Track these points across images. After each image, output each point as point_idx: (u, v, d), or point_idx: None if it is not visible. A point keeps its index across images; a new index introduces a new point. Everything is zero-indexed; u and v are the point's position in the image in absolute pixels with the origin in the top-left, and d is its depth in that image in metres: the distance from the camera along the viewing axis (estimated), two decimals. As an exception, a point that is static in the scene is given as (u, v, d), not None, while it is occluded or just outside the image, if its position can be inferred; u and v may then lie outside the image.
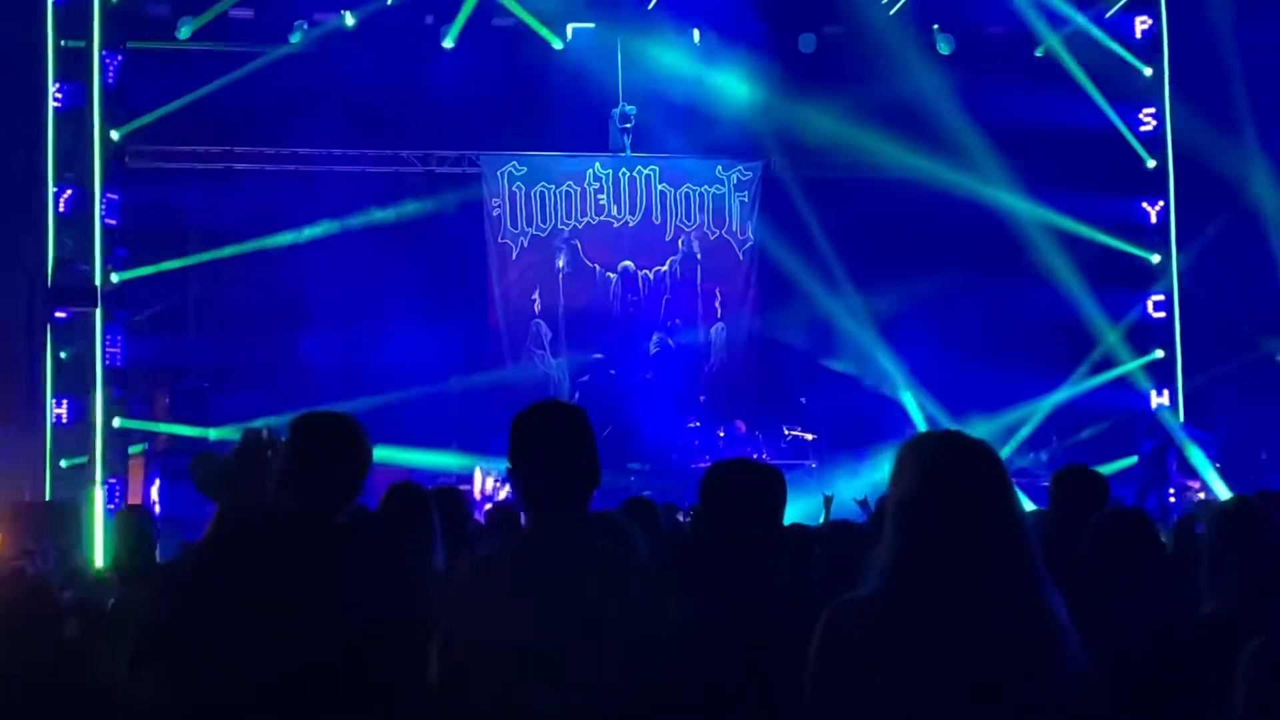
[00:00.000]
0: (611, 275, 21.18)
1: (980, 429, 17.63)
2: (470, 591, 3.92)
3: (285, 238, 19.70)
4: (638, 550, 5.06)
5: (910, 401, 20.08)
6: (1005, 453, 19.24)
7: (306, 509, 4.49)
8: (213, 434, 17.56)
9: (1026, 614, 3.48)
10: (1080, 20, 20.29)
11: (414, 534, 5.58)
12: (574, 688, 3.81)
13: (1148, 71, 20.83)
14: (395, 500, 6.04)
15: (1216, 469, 18.41)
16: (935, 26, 20.28)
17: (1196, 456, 18.73)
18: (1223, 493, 17.02)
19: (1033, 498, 15.28)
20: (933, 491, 3.51)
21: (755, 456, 18.12)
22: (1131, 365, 20.44)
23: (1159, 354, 20.66)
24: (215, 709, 4.27)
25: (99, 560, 14.19)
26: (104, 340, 17.26)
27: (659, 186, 21.31)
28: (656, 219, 21.35)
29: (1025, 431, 19.97)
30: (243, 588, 4.33)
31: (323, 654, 4.22)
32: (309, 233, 19.70)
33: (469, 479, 17.54)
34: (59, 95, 17.19)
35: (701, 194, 21.43)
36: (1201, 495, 17.52)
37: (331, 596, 4.29)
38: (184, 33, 18.87)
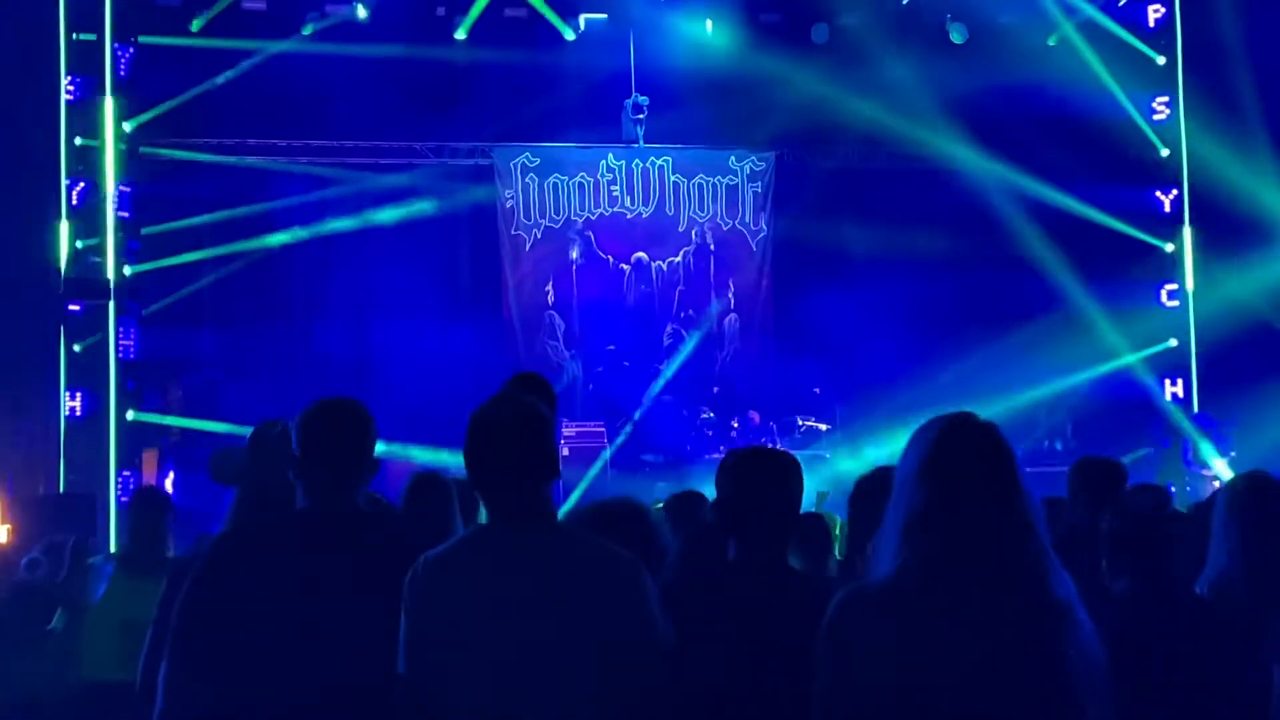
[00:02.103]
0: (625, 266, 21.19)
1: (994, 415, 17.63)
2: (425, 588, 3.90)
3: (298, 231, 19.71)
4: (661, 543, 5.05)
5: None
6: (1025, 445, 19.29)
7: (322, 499, 4.48)
8: (224, 427, 17.57)
9: (1037, 600, 3.45)
10: (1093, 9, 20.26)
11: (434, 523, 5.57)
12: (532, 687, 3.81)
13: (1161, 60, 20.81)
14: (417, 490, 6.02)
15: (1231, 457, 18.38)
16: (948, 16, 20.26)
17: (1208, 447, 18.71)
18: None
19: (1049, 486, 15.23)
20: (935, 472, 3.50)
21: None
22: (1143, 354, 20.44)
23: (1173, 342, 20.65)
24: (236, 705, 4.26)
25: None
26: (117, 333, 17.27)
27: (672, 177, 21.31)
28: (670, 210, 21.35)
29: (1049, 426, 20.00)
30: (262, 582, 4.32)
31: (344, 647, 4.22)
32: (321, 227, 19.72)
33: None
34: (71, 88, 17.19)
35: (714, 185, 21.43)
36: (1216, 484, 17.48)
37: (352, 588, 4.28)
38: (196, 25, 18.90)
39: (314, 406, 4.59)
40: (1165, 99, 20.87)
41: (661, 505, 7.03)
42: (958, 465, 3.49)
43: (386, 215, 20.07)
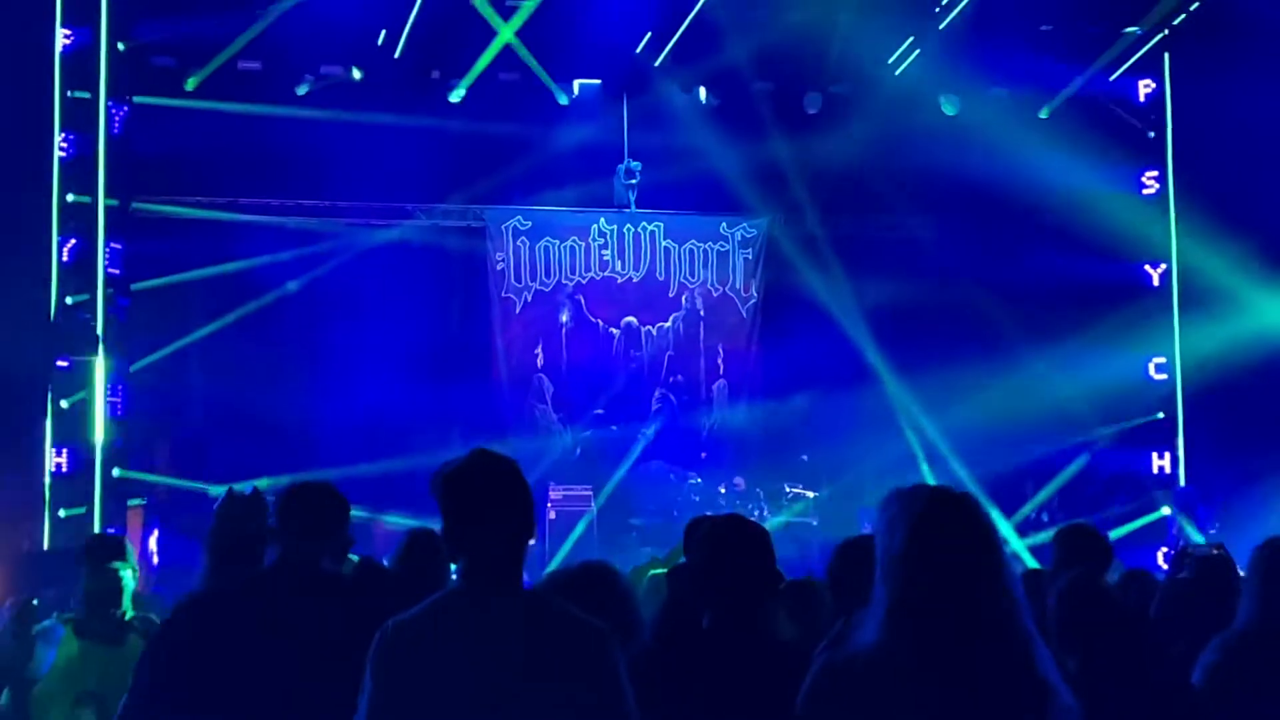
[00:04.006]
0: (615, 331, 21.20)
1: (980, 481, 17.72)
2: (393, 652, 3.87)
3: (289, 288, 19.69)
4: (634, 609, 5.04)
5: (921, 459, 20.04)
6: (1017, 517, 19.28)
7: (289, 562, 4.52)
8: (213, 490, 17.52)
9: (1015, 670, 3.45)
10: (1083, 84, 20.38)
11: (428, 581, 5.56)
12: None
13: (1151, 135, 20.92)
14: (413, 548, 6.01)
15: (1213, 533, 18.35)
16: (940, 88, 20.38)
17: (1189, 524, 18.72)
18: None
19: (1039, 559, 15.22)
20: (919, 545, 3.49)
21: (756, 514, 18.16)
22: (1129, 425, 20.48)
23: (1160, 415, 20.66)
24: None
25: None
26: (105, 390, 17.23)
27: (663, 242, 21.35)
28: (660, 275, 21.38)
29: (1041, 498, 19.99)
30: (221, 644, 4.33)
31: (299, 709, 4.21)
32: (311, 288, 19.73)
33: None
34: (65, 145, 17.22)
35: (705, 250, 21.47)
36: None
37: (314, 649, 4.28)
38: (191, 84, 18.96)
39: (292, 491, 4.80)
40: (1155, 173, 20.97)
41: (664, 571, 7.02)
42: (942, 543, 3.49)
43: (377, 276, 20.06)
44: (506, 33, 19.03)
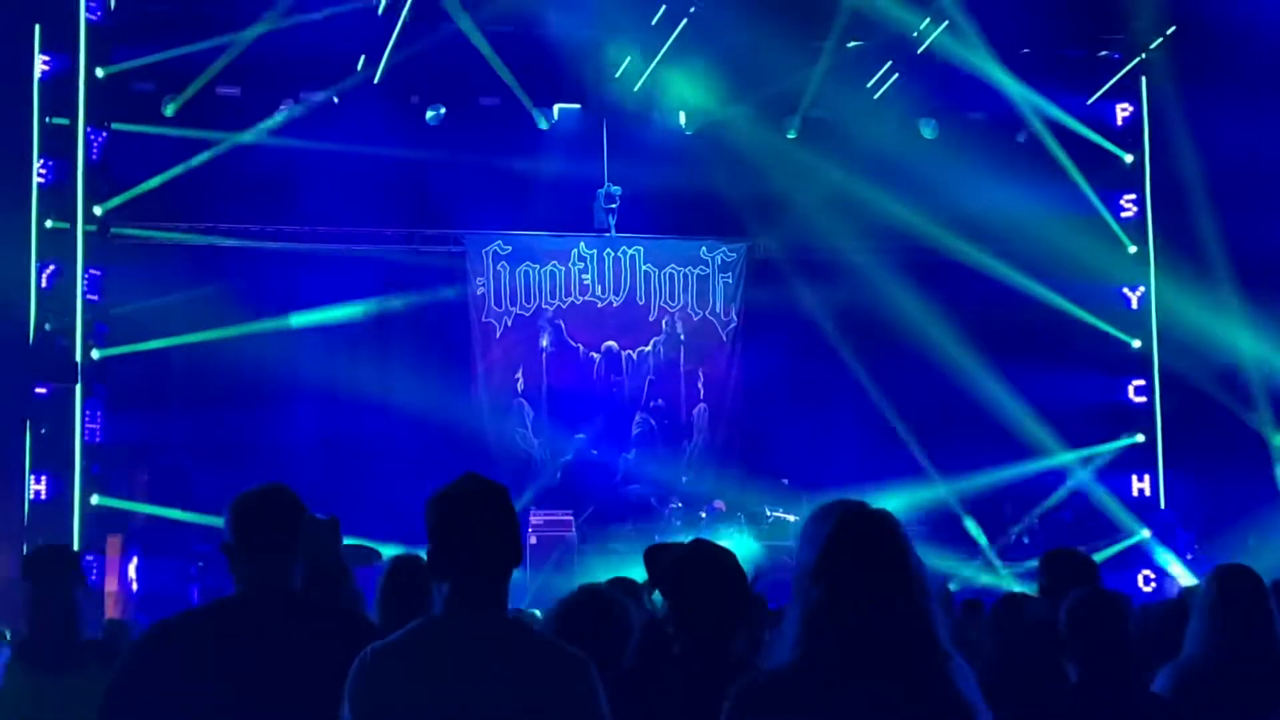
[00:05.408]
0: (595, 355, 21.17)
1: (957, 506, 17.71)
2: (371, 679, 3.85)
3: (268, 322, 19.62)
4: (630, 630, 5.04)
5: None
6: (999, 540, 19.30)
7: (258, 584, 4.49)
8: (191, 516, 17.46)
9: (930, 687, 3.42)
10: (1061, 108, 20.43)
11: (413, 608, 5.53)
12: None
13: (1129, 159, 20.99)
14: (396, 575, 5.97)
15: (1190, 558, 18.39)
16: (918, 112, 20.43)
17: (1164, 550, 18.79)
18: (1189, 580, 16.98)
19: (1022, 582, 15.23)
20: (829, 562, 3.47)
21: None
22: (1109, 447, 20.52)
23: (1139, 438, 20.69)
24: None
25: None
26: (84, 416, 17.17)
27: (643, 267, 21.34)
28: (640, 299, 21.36)
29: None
30: (191, 670, 4.31)
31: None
32: (291, 315, 19.67)
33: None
34: (43, 171, 17.19)
35: (685, 275, 21.46)
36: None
37: (285, 675, 4.26)
38: (169, 110, 18.92)
39: (246, 494, 4.67)
40: (1133, 197, 21.04)
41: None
42: (854, 560, 3.46)
43: (358, 302, 20.01)
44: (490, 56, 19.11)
